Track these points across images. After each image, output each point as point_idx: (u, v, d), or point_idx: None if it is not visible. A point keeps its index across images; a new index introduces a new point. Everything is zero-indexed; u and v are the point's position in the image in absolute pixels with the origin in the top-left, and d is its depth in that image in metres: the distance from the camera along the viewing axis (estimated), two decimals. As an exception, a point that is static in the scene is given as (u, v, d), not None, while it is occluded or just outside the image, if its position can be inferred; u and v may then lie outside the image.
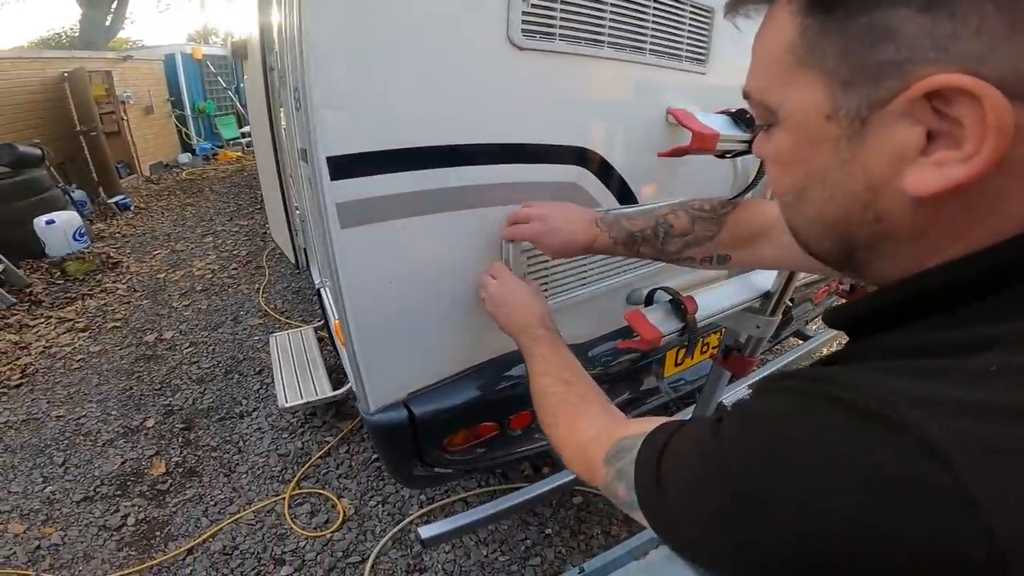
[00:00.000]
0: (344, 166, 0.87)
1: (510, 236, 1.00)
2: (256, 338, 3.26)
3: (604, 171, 1.19)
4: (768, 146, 0.41)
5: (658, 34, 1.16)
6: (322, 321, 2.85)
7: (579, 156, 1.13)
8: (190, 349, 3.19)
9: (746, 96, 0.42)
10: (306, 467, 2.25)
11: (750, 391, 0.49)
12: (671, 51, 1.20)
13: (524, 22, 0.95)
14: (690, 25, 1.21)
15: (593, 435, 0.63)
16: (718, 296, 1.17)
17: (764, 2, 0.39)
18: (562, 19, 0.99)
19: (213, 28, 23.14)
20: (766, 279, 1.25)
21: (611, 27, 1.06)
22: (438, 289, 1.09)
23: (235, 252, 4.69)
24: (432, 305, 1.10)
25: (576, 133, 1.11)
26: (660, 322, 1.02)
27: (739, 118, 0.95)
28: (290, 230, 2.72)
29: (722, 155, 0.99)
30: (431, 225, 1.00)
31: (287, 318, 3.49)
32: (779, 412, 0.34)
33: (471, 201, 1.02)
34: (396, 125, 0.89)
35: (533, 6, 0.95)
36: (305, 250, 2.74)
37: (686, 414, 1.78)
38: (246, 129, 8.92)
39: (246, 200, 6.20)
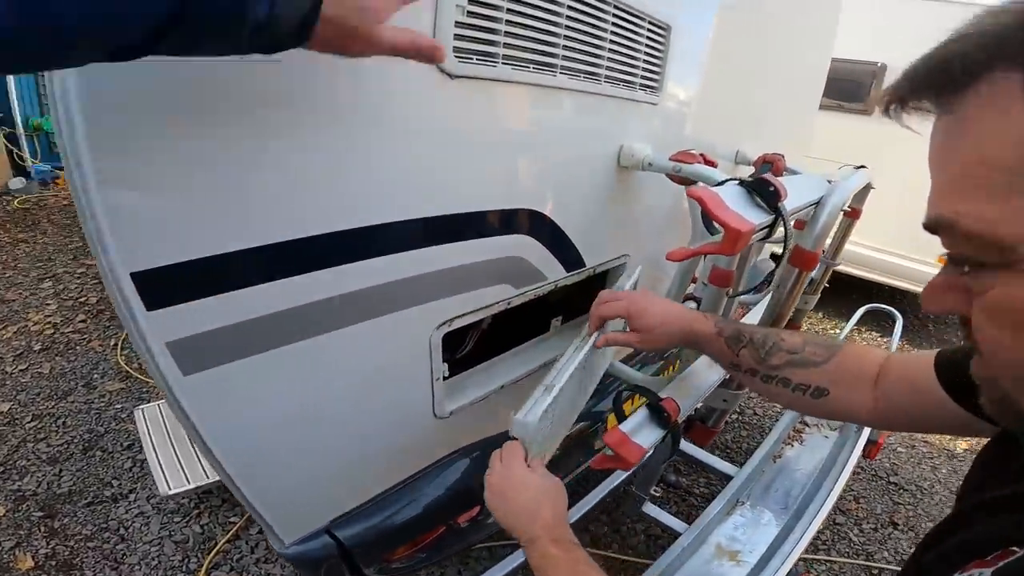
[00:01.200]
0: (163, 287, 0.52)
1: (601, 314, 0.82)
2: (118, 407, 2.71)
3: (553, 236, 0.93)
4: (993, 294, 0.30)
5: (615, 55, 0.92)
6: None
7: (525, 221, 0.86)
8: (34, 424, 2.62)
9: (940, 225, 0.32)
10: (213, 554, 1.90)
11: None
12: (627, 77, 0.97)
13: (458, 38, 0.65)
14: (646, 46, 0.99)
15: None
16: (695, 386, 0.99)
17: (962, 85, 0.29)
18: (507, 32, 0.70)
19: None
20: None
21: (566, 44, 0.80)
22: (350, 411, 0.79)
23: (82, 299, 3.87)
24: (345, 428, 0.80)
25: (523, 190, 0.84)
26: (640, 435, 0.83)
27: (757, 191, 0.70)
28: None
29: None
30: (322, 348, 0.68)
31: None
32: None
33: (376, 307, 0.71)
34: (241, 213, 0.55)
35: (471, 14, 0.65)
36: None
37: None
38: None
39: None
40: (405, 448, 0.94)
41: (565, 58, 0.81)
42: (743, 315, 1.75)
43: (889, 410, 0.67)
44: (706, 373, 1.04)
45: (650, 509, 1.50)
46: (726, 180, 0.77)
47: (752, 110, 1.66)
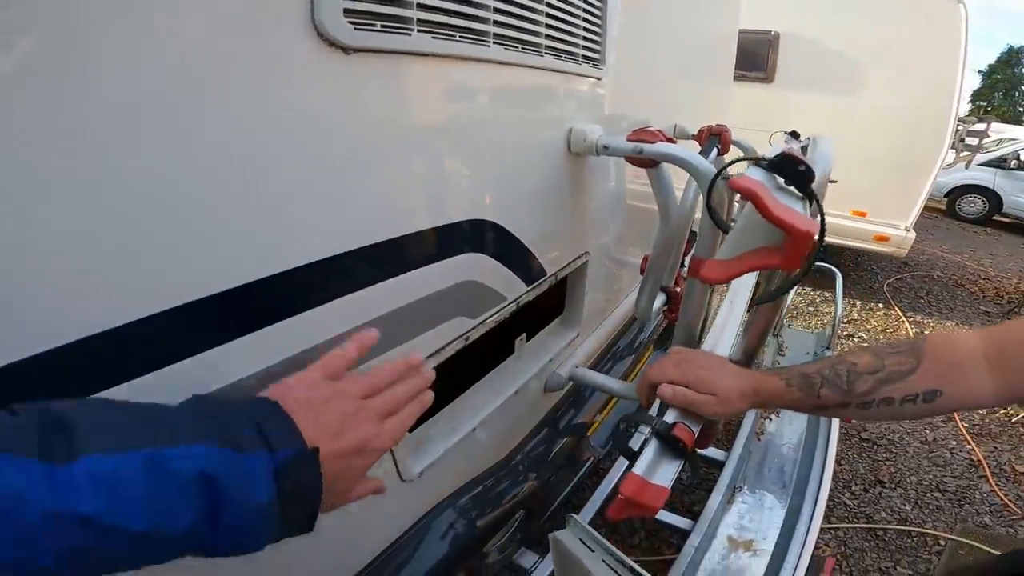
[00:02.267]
0: None
1: (652, 382, 0.73)
2: None
3: (507, 247, 0.75)
4: None
5: (554, 20, 0.76)
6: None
7: (471, 234, 0.68)
8: None
9: None
10: None
11: None
12: (568, 48, 0.81)
13: (349, -2, 0.46)
14: (584, 9, 0.84)
15: None
16: None
17: None
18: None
19: None
20: (725, 343, 0.96)
21: (496, 6, 0.63)
22: None
23: None
24: None
25: (462, 196, 0.66)
26: (658, 473, 0.69)
27: (786, 173, 0.54)
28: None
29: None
30: None
31: None
32: None
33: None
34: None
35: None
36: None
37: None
38: None
39: None
40: (379, 526, 0.76)
41: (497, 23, 0.63)
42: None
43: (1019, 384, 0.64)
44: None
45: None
46: (723, 167, 0.62)
47: (681, 82, 1.56)
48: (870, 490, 2.18)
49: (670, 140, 0.82)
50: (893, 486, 2.22)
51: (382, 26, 0.49)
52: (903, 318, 3.92)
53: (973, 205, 7.93)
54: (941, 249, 6.05)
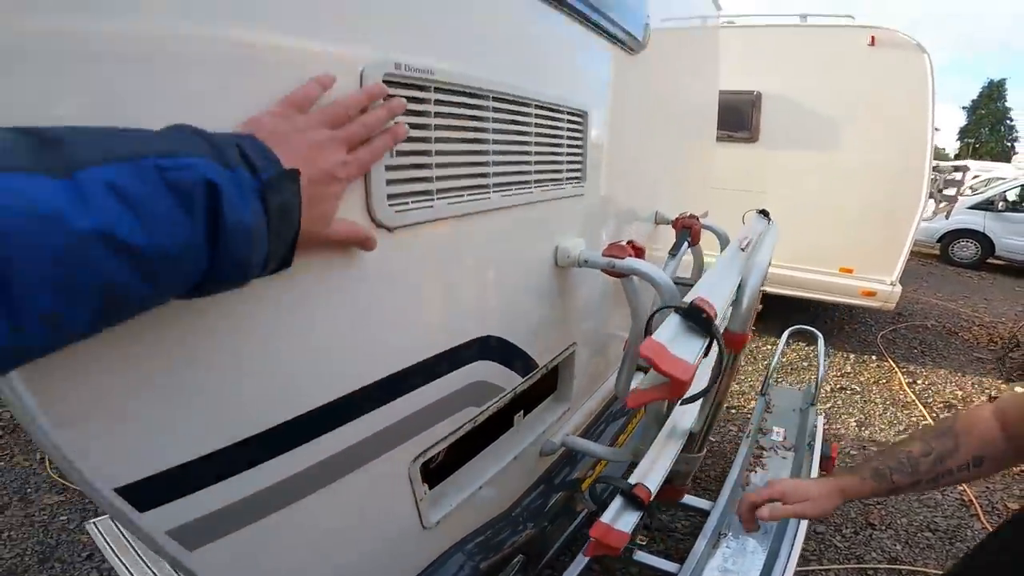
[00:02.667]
0: (150, 493, 0.52)
1: (766, 518, 0.87)
2: (63, 518, 2.55)
3: (505, 352, 0.95)
4: None
5: (542, 156, 0.96)
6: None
7: (479, 348, 0.87)
8: None
9: None
10: None
11: None
12: (554, 175, 1.01)
13: (391, 183, 0.65)
14: (568, 138, 1.04)
15: None
16: (660, 460, 1.02)
17: None
18: (439, 164, 0.71)
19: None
20: (688, 419, 1.15)
21: (496, 160, 0.83)
22: (346, 550, 0.78)
23: (-5, 412, 3.47)
24: (344, 566, 0.78)
25: (473, 321, 0.85)
26: (621, 522, 0.88)
27: (692, 318, 0.73)
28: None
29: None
30: (312, 504, 0.67)
31: None
32: None
33: (356, 461, 0.70)
34: (217, 417, 0.53)
35: (400, 153, 0.66)
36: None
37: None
38: None
39: None
40: (402, 564, 0.92)
41: (496, 175, 0.83)
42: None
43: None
44: (667, 447, 1.08)
45: (640, 556, 1.50)
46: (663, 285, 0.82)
47: (663, 163, 1.76)
48: (860, 532, 2.27)
49: (639, 251, 1.01)
50: (884, 528, 2.30)
51: (413, 202, 0.69)
52: (896, 369, 4.01)
53: (966, 250, 7.93)
54: (935, 297, 6.15)
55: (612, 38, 1.18)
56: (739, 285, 0.96)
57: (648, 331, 0.72)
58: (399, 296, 0.70)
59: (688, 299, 0.75)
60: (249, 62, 0.49)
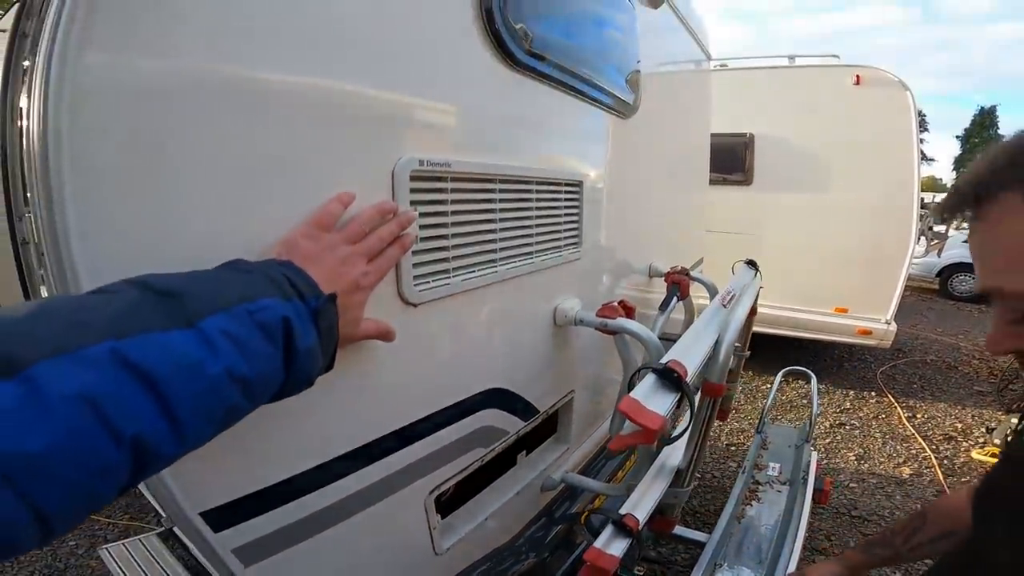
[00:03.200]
0: (226, 515, 0.64)
1: None
2: (72, 543, 2.58)
3: (510, 401, 1.07)
4: None
5: (542, 228, 1.09)
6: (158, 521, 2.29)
7: (487, 398, 1.00)
8: None
9: (992, 293, 0.48)
10: None
11: None
12: (553, 243, 1.14)
13: (417, 265, 0.79)
14: (565, 207, 1.17)
15: None
16: (648, 493, 1.13)
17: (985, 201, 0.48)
18: (455, 246, 0.85)
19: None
20: (676, 457, 1.25)
21: (502, 236, 0.96)
22: (371, 568, 0.90)
23: None
24: None
25: (484, 377, 0.99)
26: (612, 547, 0.98)
27: (665, 377, 0.86)
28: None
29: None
30: (347, 529, 0.79)
31: (108, 516, 2.75)
32: None
33: (386, 491, 0.83)
34: (284, 453, 0.67)
35: (423, 238, 0.79)
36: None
37: None
38: None
39: None
40: None
41: (502, 249, 0.97)
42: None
43: None
44: (656, 482, 1.18)
45: (640, 587, 1.57)
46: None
47: (657, 217, 1.89)
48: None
49: (630, 310, 1.13)
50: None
51: (433, 280, 0.81)
52: (895, 404, 4.06)
53: (965, 283, 7.90)
54: (935, 332, 6.18)
55: (606, 107, 1.32)
56: (716, 341, 1.07)
57: (631, 387, 0.85)
58: (422, 358, 0.84)
59: (664, 360, 0.87)
60: (315, 161, 0.64)
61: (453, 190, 0.84)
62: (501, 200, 0.95)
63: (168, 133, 0.51)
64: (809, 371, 2.49)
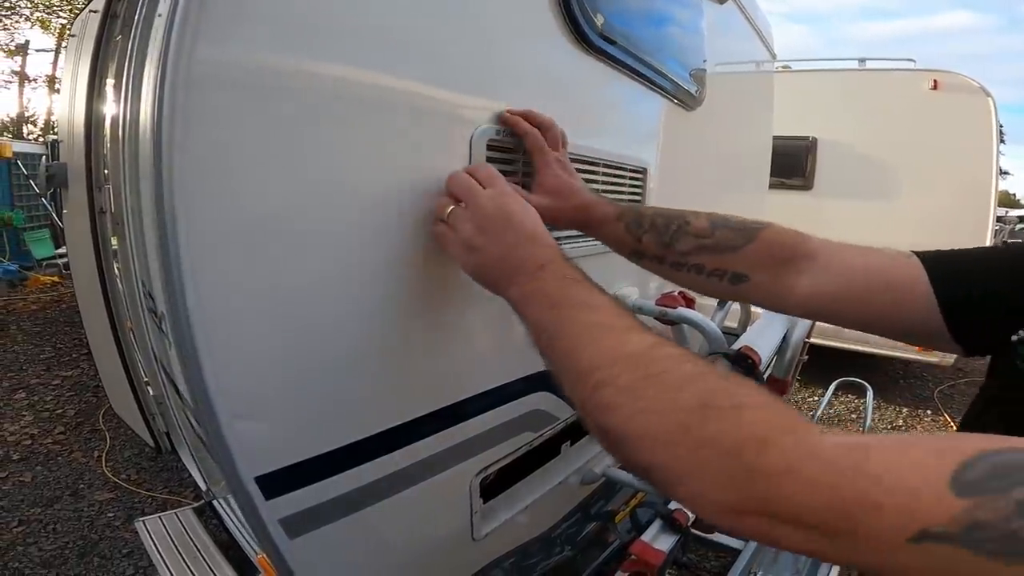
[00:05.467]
0: (280, 482, 0.64)
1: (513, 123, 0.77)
2: (110, 515, 2.65)
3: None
4: None
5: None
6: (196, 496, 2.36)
7: (540, 379, 0.99)
8: (21, 528, 2.55)
9: None
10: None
11: None
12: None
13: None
14: (630, 191, 1.16)
15: (828, 437, 0.34)
16: None
17: None
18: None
19: (32, 114, 16.57)
20: None
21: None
22: (418, 546, 0.91)
23: (59, 412, 3.75)
24: (413, 560, 0.90)
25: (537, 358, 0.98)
26: (659, 542, 1.00)
27: (739, 364, 0.86)
28: (142, 410, 2.18)
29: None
30: (394, 505, 0.79)
31: (148, 490, 2.83)
32: None
33: (437, 468, 0.84)
34: (342, 420, 0.68)
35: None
36: (168, 434, 2.21)
37: None
38: (64, 249, 7.45)
39: (67, 342, 5.01)
40: (448, 572, 1.02)
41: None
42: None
43: (833, 300, 0.61)
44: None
45: (672, 594, 1.55)
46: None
47: (716, 211, 1.84)
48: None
49: (690, 301, 1.10)
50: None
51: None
52: (952, 424, 3.87)
53: None
54: (1000, 353, 5.87)
55: (671, 97, 1.30)
56: (784, 335, 1.03)
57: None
58: (482, 333, 0.86)
59: (736, 347, 0.84)
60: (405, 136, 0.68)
61: (524, 163, 0.84)
62: (569, 178, 0.94)
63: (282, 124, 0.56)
64: (865, 383, 2.38)
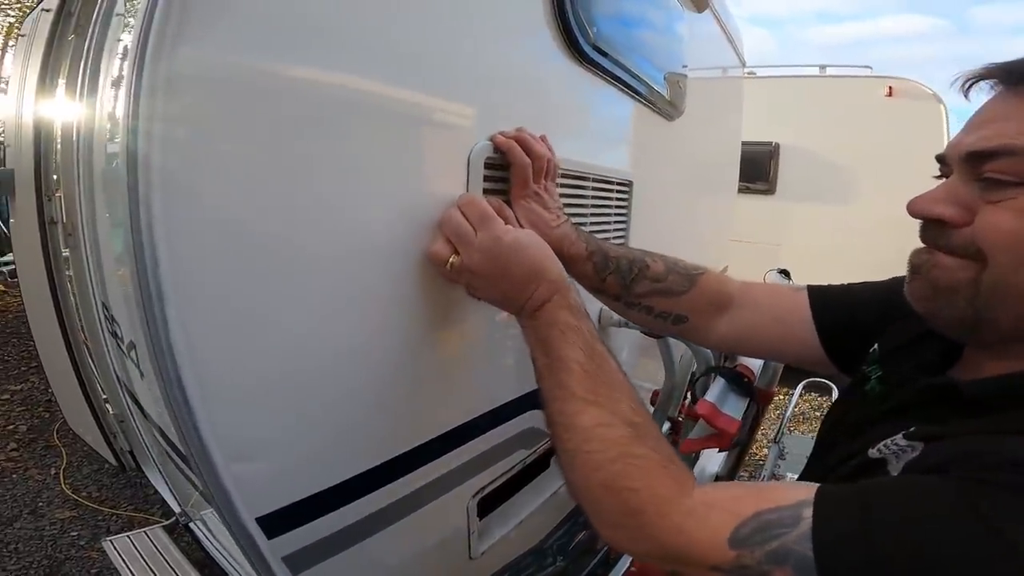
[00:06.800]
0: (281, 521, 0.61)
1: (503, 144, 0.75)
2: (73, 534, 2.52)
3: None
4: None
5: (595, 225, 1.07)
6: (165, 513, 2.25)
7: (532, 398, 0.97)
8: None
9: (996, 153, 0.44)
10: None
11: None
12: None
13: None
14: (616, 205, 1.16)
15: (682, 503, 0.47)
16: None
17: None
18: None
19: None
20: (714, 465, 1.21)
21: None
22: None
23: (10, 427, 3.53)
24: None
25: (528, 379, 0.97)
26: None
27: (734, 381, 0.85)
28: (102, 428, 2.07)
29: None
30: (394, 534, 0.77)
31: (112, 507, 2.70)
32: None
33: (434, 494, 0.81)
34: (341, 457, 0.65)
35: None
36: (132, 452, 2.10)
37: None
38: (10, 257, 6.85)
39: (14, 354, 4.70)
40: None
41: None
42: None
43: (741, 336, 0.72)
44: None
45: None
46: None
47: (691, 222, 1.88)
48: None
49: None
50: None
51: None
52: (909, 420, 4.03)
53: None
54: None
55: (657, 109, 1.30)
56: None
57: (694, 390, 0.83)
58: (481, 354, 0.85)
59: (732, 364, 0.85)
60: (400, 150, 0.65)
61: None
62: (561, 193, 0.93)
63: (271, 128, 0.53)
64: (831, 383, 2.46)
